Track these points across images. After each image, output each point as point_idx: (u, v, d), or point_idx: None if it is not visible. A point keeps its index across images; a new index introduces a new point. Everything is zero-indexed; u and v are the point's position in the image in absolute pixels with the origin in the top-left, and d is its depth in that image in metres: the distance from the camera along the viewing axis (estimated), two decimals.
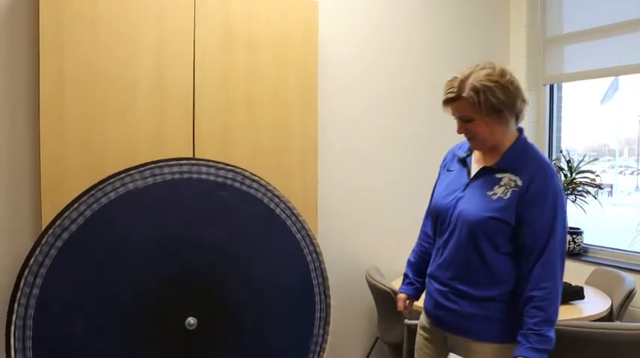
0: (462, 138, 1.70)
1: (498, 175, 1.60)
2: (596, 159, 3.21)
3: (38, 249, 1.66)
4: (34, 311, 1.64)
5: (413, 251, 1.94)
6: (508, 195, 1.56)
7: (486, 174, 1.63)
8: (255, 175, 2.05)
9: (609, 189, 4.48)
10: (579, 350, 1.92)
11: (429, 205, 1.88)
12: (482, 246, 1.57)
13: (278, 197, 2.05)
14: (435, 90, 3.44)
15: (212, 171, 1.94)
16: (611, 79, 3.44)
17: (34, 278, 1.65)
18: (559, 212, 1.55)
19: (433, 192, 1.85)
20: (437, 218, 1.73)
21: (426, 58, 3.20)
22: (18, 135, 2.13)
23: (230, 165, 1.99)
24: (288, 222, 2.07)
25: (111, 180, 1.78)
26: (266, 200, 2.03)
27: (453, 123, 1.63)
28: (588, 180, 2.99)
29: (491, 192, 1.59)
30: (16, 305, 1.62)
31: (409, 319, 2.05)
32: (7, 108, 2.11)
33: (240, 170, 2.00)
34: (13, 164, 2.11)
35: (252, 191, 2.01)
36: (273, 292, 2.02)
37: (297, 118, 2.51)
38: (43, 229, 1.72)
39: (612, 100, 3.64)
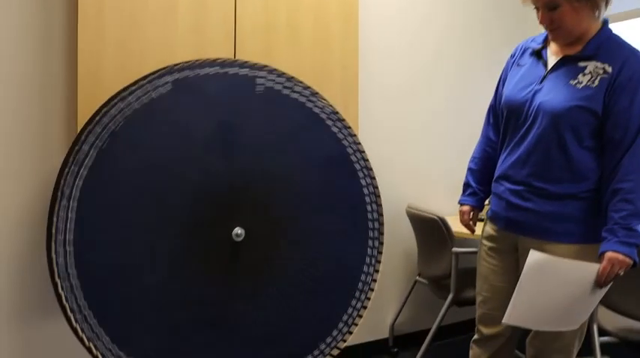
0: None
1: (582, 64, 1.49)
2: None
3: (77, 146, 1.58)
4: (75, 218, 1.59)
5: (473, 158, 1.84)
6: (596, 82, 1.45)
7: (568, 64, 1.52)
8: (309, 86, 1.96)
9: None
10: None
11: (493, 106, 1.78)
12: (566, 139, 1.47)
13: (324, 106, 1.97)
14: (472, 28, 3.41)
15: (262, 73, 1.85)
16: None
17: (74, 180, 1.58)
18: None
19: (497, 90, 1.75)
20: (510, 114, 1.62)
21: None
22: (54, 33, 2.01)
23: (283, 72, 1.91)
24: (339, 134, 1.99)
25: (151, 77, 1.67)
26: (310, 104, 1.94)
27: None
28: None
29: (576, 81, 1.48)
30: (56, 207, 1.56)
31: (474, 233, 1.92)
32: (43, 5, 2.01)
33: (292, 77, 1.91)
34: (48, 63, 2.00)
35: (301, 98, 1.93)
36: (323, 201, 1.94)
37: (338, 45, 2.40)
38: (79, 130, 1.65)
39: None
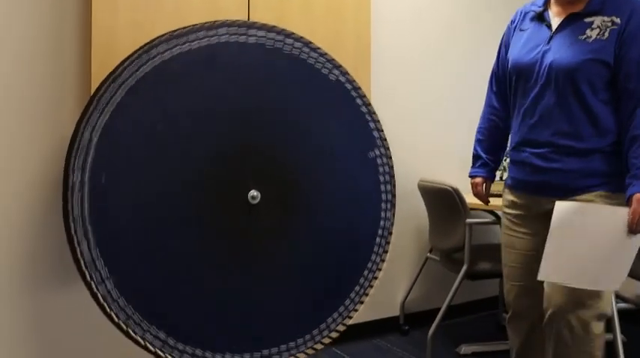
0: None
1: (588, 19, 1.50)
2: None
3: (93, 104, 1.55)
4: (89, 180, 1.56)
5: (479, 129, 1.83)
6: (606, 35, 1.45)
7: (574, 21, 1.52)
8: (326, 52, 1.94)
9: None
10: None
11: (496, 73, 1.78)
12: (585, 94, 1.47)
13: (340, 74, 1.94)
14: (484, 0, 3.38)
15: (272, 35, 1.82)
16: None
17: (87, 144, 1.56)
18: None
19: (499, 57, 1.76)
20: (519, 77, 1.61)
21: None
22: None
23: (294, 33, 1.88)
24: (355, 95, 1.96)
25: (166, 38, 1.64)
26: (325, 71, 1.92)
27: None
28: None
29: (584, 36, 1.48)
30: (72, 160, 1.53)
31: (488, 204, 1.91)
32: None
33: (305, 39, 1.89)
34: (61, 25, 1.96)
35: (317, 64, 1.90)
36: (336, 163, 1.91)
37: (351, 15, 2.39)
38: (92, 93, 1.62)
39: None
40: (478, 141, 1.83)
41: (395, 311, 2.84)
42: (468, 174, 1.93)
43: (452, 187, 2.31)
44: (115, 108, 1.57)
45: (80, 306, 2.03)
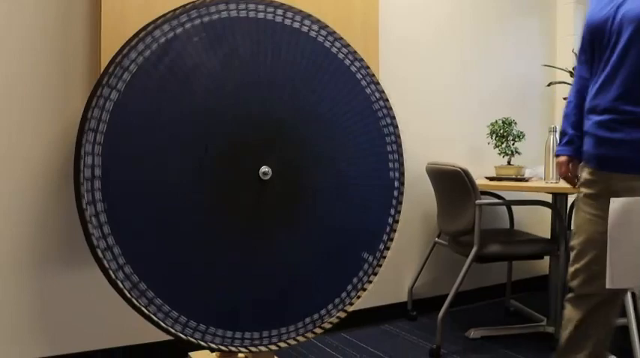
0: None
1: None
2: None
3: (105, 78, 1.54)
4: (102, 150, 1.55)
5: (568, 103, 1.65)
6: None
7: None
8: (327, 25, 1.92)
9: None
10: None
11: (582, 40, 1.61)
12: None
13: (349, 53, 1.93)
14: None
15: (279, 12, 1.81)
16: None
17: (100, 113, 1.55)
18: None
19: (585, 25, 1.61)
20: (594, 38, 1.48)
21: None
22: None
23: (302, 11, 1.87)
24: (358, 74, 1.95)
25: (178, 12, 1.63)
26: (334, 50, 1.91)
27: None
28: None
29: None
30: (86, 124, 1.52)
31: (576, 186, 1.70)
32: None
33: (315, 17, 1.87)
34: (69, 6, 1.96)
35: (327, 43, 1.89)
36: (348, 148, 1.90)
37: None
38: (102, 69, 1.60)
39: None
40: (565, 116, 1.65)
41: (403, 297, 2.82)
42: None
43: (461, 168, 2.29)
44: (125, 86, 1.56)
45: (85, 286, 2.02)
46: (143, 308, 1.56)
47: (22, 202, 1.88)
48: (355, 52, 1.95)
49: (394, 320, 2.78)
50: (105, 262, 1.52)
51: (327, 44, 1.90)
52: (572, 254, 1.55)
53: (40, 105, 1.90)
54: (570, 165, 1.63)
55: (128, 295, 1.54)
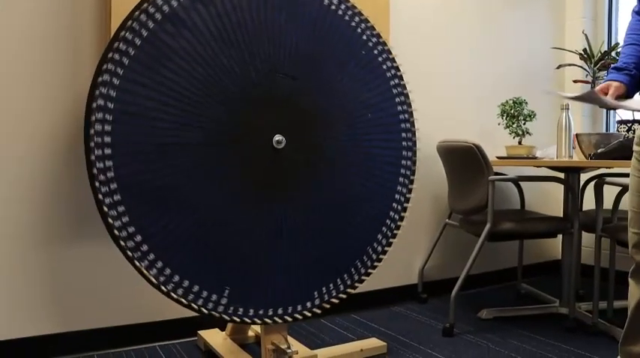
0: None
1: None
2: None
3: (116, 43, 1.51)
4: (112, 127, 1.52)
5: (629, 44, 1.58)
6: None
7: None
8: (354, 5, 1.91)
9: None
10: None
11: None
12: None
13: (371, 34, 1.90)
14: None
15: None
16: None
17: (107, 91, 1.52)
18: None
19: None
20: None
21: None
22: None
23: None
24: (382, 64, 1.92)
25: None
26: (354, 23, 1.88)
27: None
28: None
29: None
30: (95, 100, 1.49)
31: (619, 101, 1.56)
32: None
33: None
34: None
35: (346, 16, 1.87)
36: (361, 123, 1.87)
37: None
38: (111, 36, 1.57)
39: None
40: (623, 54, 1.59)
41: (413, 279, 2.79)
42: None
43: (474, 144, 2.26)
44: (135, 50, 1.53)
45: (95, 258, 1.99)
46: (162, 287, 1.53)
47: (34, 169, 1.86)
48: (374, 27, 1.93)
49: (404, 302, 2.74)
50: (115, 230, 1.49)
51: (354, 24, 1.88)
52: (630, 219, 1.42)
53: (50, 69, 1.87)
54: (618, 88, 1.53)
55: (144, 270, 1.51)
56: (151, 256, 1.53)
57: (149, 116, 1.53)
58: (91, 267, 1.98)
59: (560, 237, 3.13)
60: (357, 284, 1.89)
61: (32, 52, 1.85)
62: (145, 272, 1.51)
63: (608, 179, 2.22)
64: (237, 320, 1.65)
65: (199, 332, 2.11)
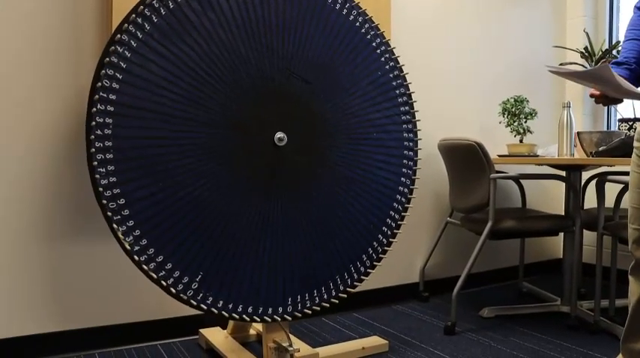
0: None
1: None
2: None
3: (141, 7, 1.50)
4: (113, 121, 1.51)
5: (630, 39, 1.59)
6: None
7: None
8: None
9: None
10: None
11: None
12: None
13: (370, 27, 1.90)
14: None
15: None
16: None
17: (110, 83, 1.52)
18: None
19: None
20: None
21: None
22: None
23: None
24: (383, 59, 1.92)
25: None
26: (351, 17, 1.87)
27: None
28: None
29: None
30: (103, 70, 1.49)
31: None
32: None
33: None
34: None
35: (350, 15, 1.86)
36: (364, 120, 1.87)
37: None
38: (114, 27, 1.57)
39: None
40: (624, 49, 1.58)
41: (414, 278, 2.79)
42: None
43: (476, 141, 2.26)
44: (159, 18, 1.52)
45: (101, 262, 1.99)
46: (172, 289, 1.53)
47: (34, 169, 1.86)
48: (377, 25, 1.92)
49: (406, 300, 2.74)
50: (119, 233, 1.49)
51: (358, 24, 1.87)
52: (630, 215, 1.41)
53: (51, 68, 1.87)
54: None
55: (144, 267, 1.51)
56: (144, 243, 1.53)
57: (160, 84, 1.54)
58: (92, 265, 1.98)
59: (561, 235, 3.13)
60: (356, 284, 1.88)
61: (32, 52, 1.85)
62: (133, 255, 1.51)
63: (610, 177, 2.22)
64: (204, 307, 1.61)
65: (201, 330, 2.11)
